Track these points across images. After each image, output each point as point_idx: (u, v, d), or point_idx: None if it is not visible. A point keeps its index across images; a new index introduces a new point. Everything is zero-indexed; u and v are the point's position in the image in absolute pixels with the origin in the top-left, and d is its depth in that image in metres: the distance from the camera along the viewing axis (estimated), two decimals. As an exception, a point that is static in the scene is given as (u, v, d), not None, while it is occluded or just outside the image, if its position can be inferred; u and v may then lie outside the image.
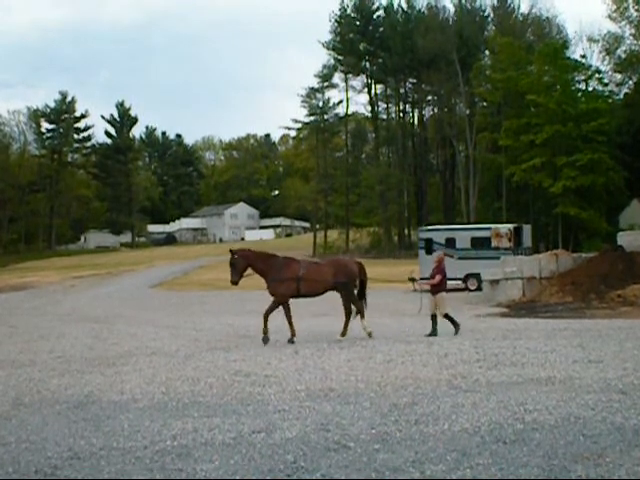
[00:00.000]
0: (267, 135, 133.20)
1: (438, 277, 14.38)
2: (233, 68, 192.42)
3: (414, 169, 70.97)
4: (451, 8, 65.20)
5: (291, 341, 13.63)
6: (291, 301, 14.32)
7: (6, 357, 13.34)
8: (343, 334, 13.85)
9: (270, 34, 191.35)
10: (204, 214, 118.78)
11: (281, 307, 14.10)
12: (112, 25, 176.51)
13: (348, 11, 70.01)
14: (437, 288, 14.36)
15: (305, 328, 16.60)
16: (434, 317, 14.18)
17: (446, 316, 14.23)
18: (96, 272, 57.10)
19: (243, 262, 13.96)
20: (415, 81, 69.37)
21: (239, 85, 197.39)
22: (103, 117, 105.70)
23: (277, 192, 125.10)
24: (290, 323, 13.91)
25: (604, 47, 54.28)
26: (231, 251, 14.31)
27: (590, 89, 51.10)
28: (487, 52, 61.12)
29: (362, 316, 14.00)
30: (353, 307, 14.11)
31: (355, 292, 14.28)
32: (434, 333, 13.88)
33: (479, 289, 26.98)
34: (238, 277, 13.94)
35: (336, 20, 69.60)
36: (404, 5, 69.42)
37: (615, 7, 51.24)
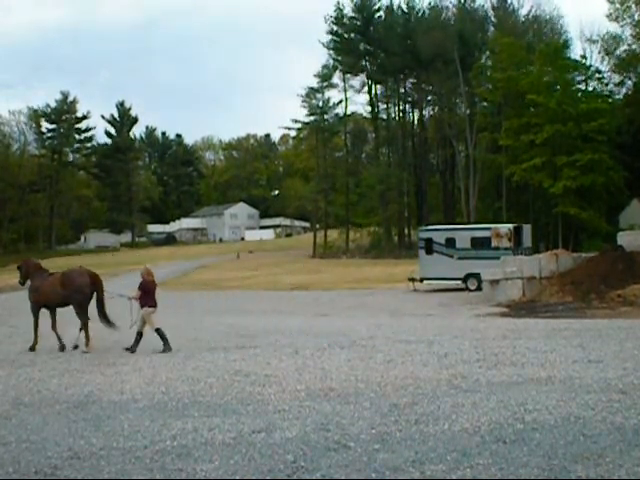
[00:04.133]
0: (267, 135, 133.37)
1: (138, 292, 13.36)
2: (233, 68, 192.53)
3: (414, 169, 70.92)
4: (452, 8, 65.21)
5: (31, 347, 14.07)
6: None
7: (6, 357, 13.36)
8: (86, 345, 13.72)
9: (270, 34, 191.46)
10: (204, 214, 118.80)
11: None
12: (112, 25, 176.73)
13: (349, 12, 69.91)
14: (142, 302, 13.30)
15: (305, 328, 16.62)
16: (158, 331, 13.14)
17: (157, 331, 13.13)
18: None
19: (24, 269, 15.18)
20: (415, 81, 69.33)
21: (239, 85, 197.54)
22: (103, 117, 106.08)
23: (277, 192, 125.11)
24: (54, 331, 14.28)
25: (603, 47, 54.31)
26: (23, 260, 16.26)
27: (590, 89, 51.11)
28: (487, 52, 61.10)
29: (82, 330, 13.90)
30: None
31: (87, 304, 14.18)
32: (166, 348, 12.90)
33: (479, 289, 26.94)
34: (22, 280, 15.31)
35: (332, 22, 69.58)
36: (404, 5, 69.52)
37: (617, 7, 51.20)
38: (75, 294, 13.95)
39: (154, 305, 13.44)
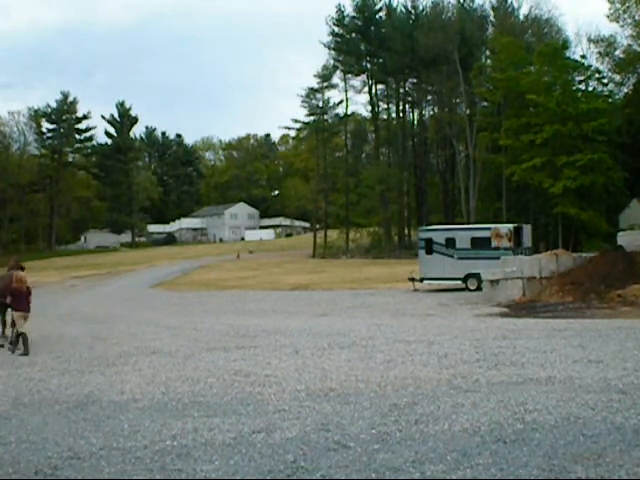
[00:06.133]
0: (267, 135, 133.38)
1: (9, 297, 14.32)
2: (233, 68, 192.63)
3: (414, 169, 70.92)
4: (452, 8, 65.15)
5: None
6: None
7: (6, 357, 13.37)
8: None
9: (270, 34, 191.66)
10: (204, 214, 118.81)
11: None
12: (111, 25, 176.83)
13: (350, 12, 69.96)
14: (14, 306, 14.16)
15: (305, 328, 16.61)
16: (21, 335, 13.80)
17: (20, 335, 13.81)
18: (96, 272, 57.11)
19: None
20: (415, 81, 69.33)
21: (239, 85, 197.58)
22: (103, 117, 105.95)
23: (277, 192, 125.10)
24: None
25: (603, 47, 54.27)
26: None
27: (590, 89, 51.10)
28: (487, 52, 61.09)
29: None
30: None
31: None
32: (25, 352, 13.42)
33: (479, 289, 26.93)
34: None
35: (333, 22, 69.59)
36: (406, 5, 69.53)
37: (617, 7, 51.18)
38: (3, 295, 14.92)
39: (24, 309, 14.17)
